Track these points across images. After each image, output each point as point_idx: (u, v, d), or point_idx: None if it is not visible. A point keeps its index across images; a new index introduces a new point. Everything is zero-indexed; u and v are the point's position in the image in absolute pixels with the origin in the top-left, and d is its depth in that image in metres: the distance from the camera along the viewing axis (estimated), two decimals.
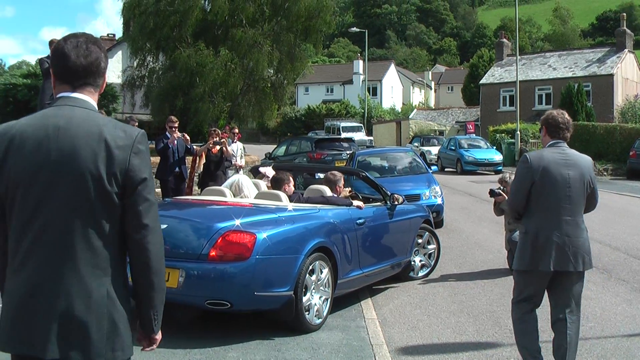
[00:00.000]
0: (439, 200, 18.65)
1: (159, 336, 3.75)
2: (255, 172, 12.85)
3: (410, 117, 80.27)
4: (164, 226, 8.61)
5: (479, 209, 22.45)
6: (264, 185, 11.31)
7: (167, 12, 34.64)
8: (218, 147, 17.49)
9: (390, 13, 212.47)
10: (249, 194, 10.61)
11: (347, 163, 23.39)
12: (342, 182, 11.69)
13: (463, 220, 20.54)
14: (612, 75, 57.36)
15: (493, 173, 39.50)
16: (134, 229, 3.52)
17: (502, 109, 62.23)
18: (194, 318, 9.64)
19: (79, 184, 3.40)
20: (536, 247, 7.02)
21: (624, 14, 70.59)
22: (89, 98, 3.59)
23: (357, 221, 10.45)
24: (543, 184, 7.05)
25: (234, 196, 10.50)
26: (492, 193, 12.54)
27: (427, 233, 12.88)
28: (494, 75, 66.39)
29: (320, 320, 9.20)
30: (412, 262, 12.54)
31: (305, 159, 28.86)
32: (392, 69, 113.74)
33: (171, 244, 8.36)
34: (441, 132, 67.61)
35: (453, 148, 43.15)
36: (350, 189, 12.54)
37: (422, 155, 42.04)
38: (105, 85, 3.72)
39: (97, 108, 3.59)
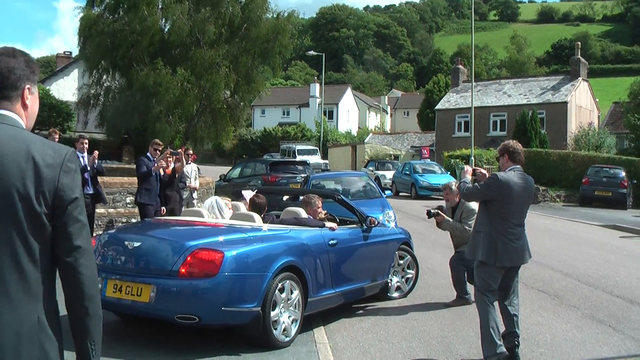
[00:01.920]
0: (392, 225, 18.63)
1: None
2: (237, 195, 13.08)
3: (365, 141, 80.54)
4: (137, 244, 8.92)
5: (433, 234, 22.49)
6: (243, 207, 11.53)
7: (124, 31, 34.46)
8: (171, 167, 17.08)
9: (348, 37, 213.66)
10: (226, 215, 10.94)
11: (301, 186, 23.36)
12: (319, 204, 11.98)
13: (416, 245, 20.47)
14: (566, 102, 58.08)
15: None
16: (65, 251, 3.33)
17: (457, 135, 62.68)
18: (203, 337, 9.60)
19: (7, 204, 3.20)
20: (494, 247, 8.70)
21: (579, 42, 71.84)
22: (14, 114, 3.39)
23: (330, 242, 10.69)
24: (506, 197, 8.72)
25: (214, 217, 10.84)
26: (429, 214, 12.68)
27: (407, 256, 13.31)
28: (449, 101, 66.89)
29: (289, 338, 9.47)
30: (389, 282, 12.87)
31: (259, 182, 28.77)
32: (349, 93, 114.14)
33: (144, 261, 8.95)
34: (396, 157, 67.91)
35: (408, 173, 43.23)
36: (325, 211, 12.64)
37: (377, 179, 42.22)
38: (33, 99, 3.50)
39: (23, 124, 3.39)
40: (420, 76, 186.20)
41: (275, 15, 38.25)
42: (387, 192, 22.77)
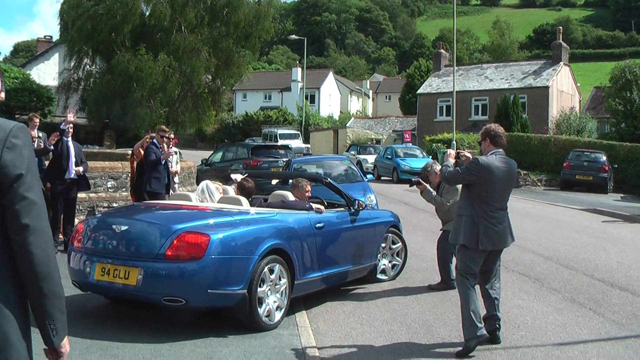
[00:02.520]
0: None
1: (65, 349, 3.45)
2: (226, 179, 13.11)
3: (347, 125, 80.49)
4: (124, 227, 8.99)
5: (414, 217, 22.56)
6: (232, 191, 11.64)
7: (105, 15, 34.32)
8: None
9: (330, 21, 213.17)
10: (216, 199, 11.06)
11: (282, 170, 23.36)
12: (308, 188, 12.13)
13: None
14: (547, 87, 58.19)
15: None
16: (14, 230, 3.25)
17: (439, 119, 62.70)
18: (191, 320, 9.76)
19: None
20: (476, 231, 8.68)
21: (561, 27, 71.78)
22: None
23: (317, 225, 10.81)
24: (488, 181, 8.72)
25: (205, 201, 10.98)
26: (411, 183, 12.74)
27: (396, 238, 13.49)
28: (431, 85, 66.89)
29: (277, 319, 9.58)
30: (378, 265, 13.04)
31: (241, 166, 28.73)
32: (331, 77, 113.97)
33: (131, 244, 9.06)
34: (378, 141, 67.84)
35: (389, 157, 43.22)
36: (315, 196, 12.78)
37: (359, 163, 42.18)
38: None
39: None
40: (402, 60, 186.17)
41: (256, 0, 38.22)
42: (369, 176, 22.79)
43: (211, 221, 9.30)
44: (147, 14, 36.37)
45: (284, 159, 27.59)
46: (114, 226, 9.30)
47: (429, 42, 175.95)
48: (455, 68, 52.29)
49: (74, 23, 35.37)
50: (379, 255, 12.96)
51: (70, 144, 15.47)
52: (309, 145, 66.60)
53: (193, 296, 8.77)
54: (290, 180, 13.37)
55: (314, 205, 11.30)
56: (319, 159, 25.36)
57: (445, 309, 10.93)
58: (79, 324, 8.90)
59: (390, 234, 13.30)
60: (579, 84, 70.80)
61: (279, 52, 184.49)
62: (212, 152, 38.78)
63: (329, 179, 13.36)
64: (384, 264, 13.28)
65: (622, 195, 35.64)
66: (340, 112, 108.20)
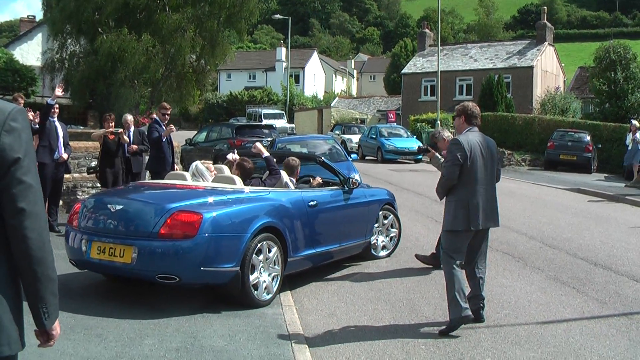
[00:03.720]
0: None
1: (56, 331, 3.50)
2: (222, 158, 13.18)
3: (332, 105, 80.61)
4: (120, 207, 9.17)
5: (399, 197, 22.46)
6: (227, 170, 11.69)
7: None
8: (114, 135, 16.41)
9: (314, 1, 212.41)
10: (208, 178, 11.20)
11: (268, 149, 23.33)
12: (298, 167, 12.58)
13: None
14: (532, 67, 58.34)
15: (413, 162, 39.81)
16: (10, 213, 3.26)
17: (423, 99, 62.73)
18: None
19: None
20: (467, 211, 8.70)
21: (545, 7, 71.94)
22: None
23: (310, 203, 11.03)
24: (472, 161, 8.72)
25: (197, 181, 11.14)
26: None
27: (391, 216, 13.63)
28: (415, 65, 66.90)
29: (270, 295, 9.77)
30: (375, 242, 13.32)
31: (225, 146, 28.70)
32: (315, 57, 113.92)
33: (126, 223, 9.30)
34: (362, 121, 67.85)
35: (374, 137, 43.24)
36: (320, 177, 13.28)
37: (343, 143, 42.18)
38: None
39: None
40: (387, 40, 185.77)
41: None
42: (353, 156, 22.79)
43: (210, 199, 9.54)
44: None
45: (268, 139, 27.55)
46: (109, 206, 9.50)
47: (413, 21, 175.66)
48: (440, 48, 52.46)
49: (57, 2, 35.19)
50: (375, 233, 13.19)
51: (57, 124, 15.39)
52: (293, 125, 66.53)
53: (186, 273, 8.97)
54: (284, 161, 13.41)
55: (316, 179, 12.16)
56: (303, 139, 25.40)
57: (430, 287, 10.97)
58: (63, 304, 8.85)
59: (382, 212, 13.40)
60: (563, 64, 70.93)
61: (264, 32, 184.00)
62: (196, 132, 38.72)
63: (322, 158, 13.44)
64: (383, 241, 13.50)
65: (605, 175, 35.75)
66: (325, 91, 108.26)
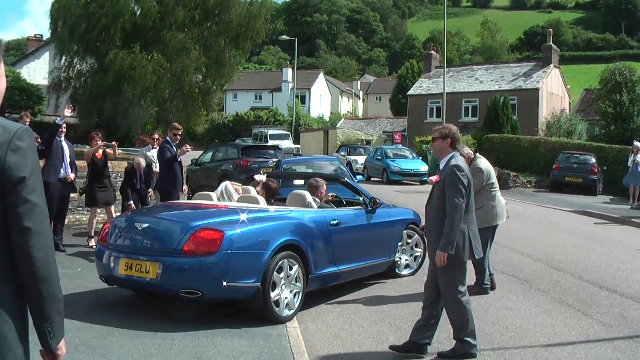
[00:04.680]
0: None
1: (61, 351, 3.53)
2: (249, 179, 14.22)
3: (337, 126, 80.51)
4: (146, 225, 9.58)
5: None
6: (253, 190, 12.49)
7: (97, 14, 34.21)
8: (101, 151, 16.51)
9: (321, 22, 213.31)
10: (234, 199, 11.77)
11: (272, 170, 23.38)
12: (324, 188, 12.86)
13: None
14: (537, 89, 58.30)
15: (418, 183, 39.85)
16: (16, 233, 3.26)
17: (429, 120, 62.66)
18: (193, 315, 10.11)
19: None
20: (468, 241, 8.40)
21: (551, 29, 71.78)
22: None
23: (332, 222, 11.35)
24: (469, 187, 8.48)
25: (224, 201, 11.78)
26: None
27: (415, 235, 13.96)
28: (421, 86, 66.97)
29: (292, 312, 10.17)
30: (398, 261, 13.72)
31: (231, 166, 28.74)
32: (321, 78, 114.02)
33: (152, 240, 9.81)
34: (368, 142, 67.84)
35: (379, 158, 43.32)
36: (333, 193, 13.68)
37: (349, 164, 42.27)
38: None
39: None
40: (393, 62, 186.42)
41: (249, 0, 38.18)
42: (359, 177, 22.83)
43: (233, 217, 9.98)
44: (138, 13, 36.21)
45: (274, 160, 27.59)
46: (136, 224, 10.04)
47: (419, 43, 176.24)
48: (446, 69, 52.33)
49: (65, 21, 35.26)
50: (397, 252, 13.54)
51: (64, 143, 15.43)
52: (299, 146, 66.54)
53: (209, 288, 9.35)
54: (308, 181, 13.82)
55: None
56: (309, 160, 25.37)
57: None
58: (68, 323, 8.89)
59: (406, 231, 13.72)
60: (569, 86, 70.92)
61: (270, 53, 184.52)
62: (202, 152, 38.75)
63: (345, 178, 14.19)
64: (407, 259, 13.92)
65: (611, 197, 35.72)
66: (331, 112, 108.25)
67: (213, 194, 11.82)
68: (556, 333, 9.81)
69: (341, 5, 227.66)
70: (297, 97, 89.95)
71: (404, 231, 13.63)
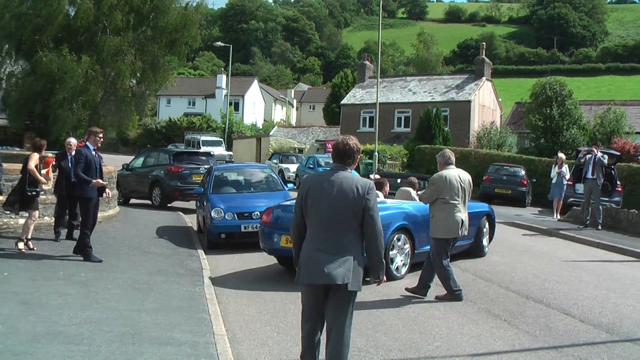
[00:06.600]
0: None
1: (383, 278, 7.62)
2: (378, 185, 16.58)
3: (271, 133, 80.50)
4: None
5: None
6: (381, 194, 15.81)
7: (29, 14, 33.74)
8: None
9: (257, 29, 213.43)
10: None
11: (204, 177, 23.30)
12: (387, 186, 17.04)
13: None
14: (469, 101, 59.04)
15: None
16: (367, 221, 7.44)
17: (362, 130, 62.97)
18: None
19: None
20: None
21: (484, 43, 72.86)
22: None
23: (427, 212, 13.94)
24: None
25: None
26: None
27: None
28: (355, 96, 67.27)
29: (402, 273, 14.58)
30: (483, 244, 18.10)
31: (162, 172, 28.55)
32: (255, 85, 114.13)
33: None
34: (301, 150, 67.95)
35: (311, 166, 43.44)
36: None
37: (281, 172, 42.34)
38: None
39: None
40: (328, 70, 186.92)
41: (184, 5, 38.00)
42: (290, 185, 22.76)
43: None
44: (72, 14, 35.77)
45: (206, 166, 27.53)
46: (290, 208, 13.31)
47: (354, 53, 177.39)
48: (380, 80, 52.60)
49: None
50: (483, 238, 17.92)
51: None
52: (231, 153, 66.45)
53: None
54: (400, 180, 19.40)
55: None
56: (240, 167, 25.37)
57: (360, 318, 10.96)
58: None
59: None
60: (500, 99, 71.81)
61: (205, 59, 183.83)
62: (133, 157, 38.42)
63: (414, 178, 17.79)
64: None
65: (540, 209, 36.11)
66: (264, 120, 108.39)
67: None
68: (482, 343, 9.89)
69: (277, 13, 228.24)
70: (230, 104, 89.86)
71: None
